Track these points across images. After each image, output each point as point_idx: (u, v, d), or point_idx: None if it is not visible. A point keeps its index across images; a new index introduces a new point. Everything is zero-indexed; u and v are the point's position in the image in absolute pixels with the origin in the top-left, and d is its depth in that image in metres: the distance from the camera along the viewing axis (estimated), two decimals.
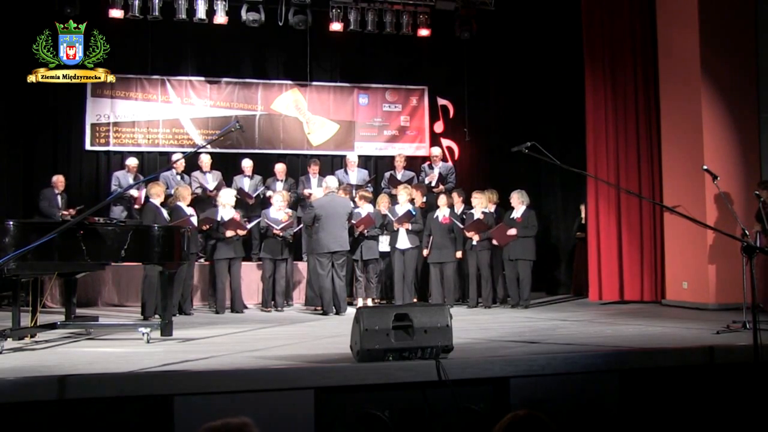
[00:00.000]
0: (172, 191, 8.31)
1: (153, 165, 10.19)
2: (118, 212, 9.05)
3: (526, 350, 4.87)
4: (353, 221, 8.12)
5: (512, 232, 8.17)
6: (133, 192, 9.04)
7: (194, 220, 7.89)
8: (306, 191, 9.30)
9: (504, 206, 8.86)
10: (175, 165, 9.11)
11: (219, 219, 8.06)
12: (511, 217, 8.36)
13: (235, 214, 8.16)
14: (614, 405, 4.43)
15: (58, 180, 9.20)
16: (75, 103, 10.07)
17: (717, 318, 6.34)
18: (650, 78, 8.56)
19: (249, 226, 8.22)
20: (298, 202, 9.42)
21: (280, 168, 9.66)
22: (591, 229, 8.85)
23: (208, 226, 8.04)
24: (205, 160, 9.49)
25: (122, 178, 9.26)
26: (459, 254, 8.45)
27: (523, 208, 8.35)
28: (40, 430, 3.82)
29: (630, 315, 7.24)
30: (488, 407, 4.24)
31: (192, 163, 9.48)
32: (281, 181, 9.54)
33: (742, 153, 7.75)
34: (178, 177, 9.22)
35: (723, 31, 7.77)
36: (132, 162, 9.40)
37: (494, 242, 8.29)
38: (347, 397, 4.13)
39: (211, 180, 9.38)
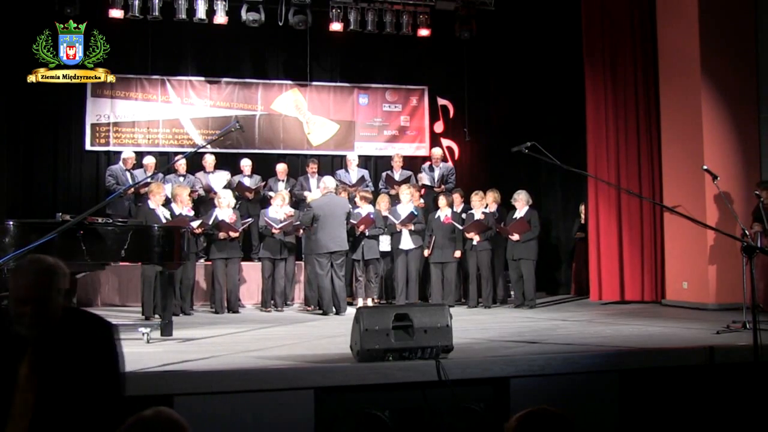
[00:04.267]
0: (168, 193, 8.24)
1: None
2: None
3: (526, 350, 4.87)
4: (353, 221, 8.12)
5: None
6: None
7: (194, 224, 7.86)
8: (306, 194, 9.16)
9: (505, 206, 8.85)
10: (175, 166, 9.06)
11: (213, 219, 8.04)
12: (514, 217, 8.37)
13: (231, 216, 8.13)
14: (614, 405, 4.43)
15: (129, 157, 9.11)
16: (75, 103, 10.04)
17: (717, 318, 6.34)
18: (650, 78, 8.56)
19: (240, 228, 8.20)
20: (297, 203, 9.38)
21: (281, 168, 9.64)
22: (591, 229, 8.85)
23: (202, 229, 8.02)
24: (209, 160, 9.46)
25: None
26: (458, 254, 8.45)
27: (527, 208, 8.36)
28: None
29: (630, 315, 7.24)
30: (488, 407, 4.24)
31: (195, 163, 9.46)
32: (282, 181, 9.53)
33: (742, 153, 7.74)
34: (180, 178, 9.18)
35: (723, 31, 7.77)
36: (150, 161, 9.25)
37: (513, 238, 8.22)
38: (347, 397, 4.13)
39: (213, 180, 9.35)
